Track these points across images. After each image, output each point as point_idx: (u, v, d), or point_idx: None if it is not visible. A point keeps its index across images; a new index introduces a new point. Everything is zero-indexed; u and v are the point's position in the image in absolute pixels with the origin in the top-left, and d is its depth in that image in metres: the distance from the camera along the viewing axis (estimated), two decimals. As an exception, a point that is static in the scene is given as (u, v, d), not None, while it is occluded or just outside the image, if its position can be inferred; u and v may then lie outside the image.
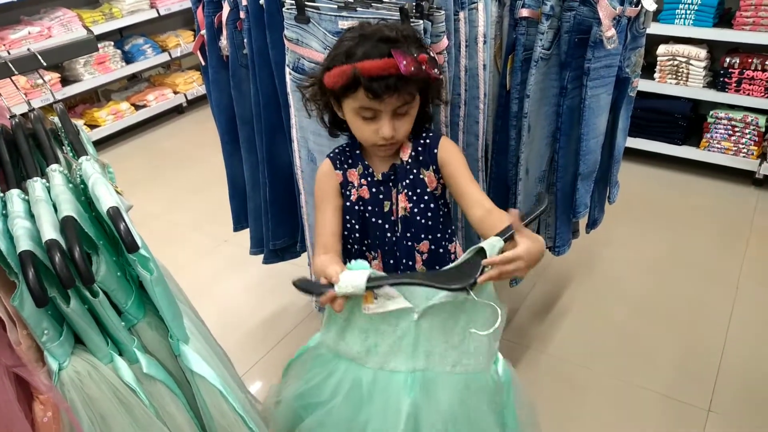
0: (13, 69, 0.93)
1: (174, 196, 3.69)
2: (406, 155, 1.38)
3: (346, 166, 1.41)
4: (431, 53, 1.35)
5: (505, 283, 2.14)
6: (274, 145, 2.01)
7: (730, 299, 2.51)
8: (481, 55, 1.59)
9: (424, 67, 1.21)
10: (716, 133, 3.34)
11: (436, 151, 1.37)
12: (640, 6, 1.75)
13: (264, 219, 2.20)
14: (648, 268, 2.74)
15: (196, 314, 1.41)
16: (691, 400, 2.05)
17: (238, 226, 2.41)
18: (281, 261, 2.32)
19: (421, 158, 1.37)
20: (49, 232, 0.84)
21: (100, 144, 4.37)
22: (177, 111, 4.90)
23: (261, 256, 2.31)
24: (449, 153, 1.38)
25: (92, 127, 4.26)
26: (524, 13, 1.68)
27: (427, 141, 1.39)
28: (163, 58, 4.66)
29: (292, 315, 2.57)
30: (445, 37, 1.47)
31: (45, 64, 0.95)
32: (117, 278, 0.99)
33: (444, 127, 1.63)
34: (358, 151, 1.40)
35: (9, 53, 3.61)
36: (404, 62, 1.18)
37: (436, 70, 1.26)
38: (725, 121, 3.30)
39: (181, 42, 4.74)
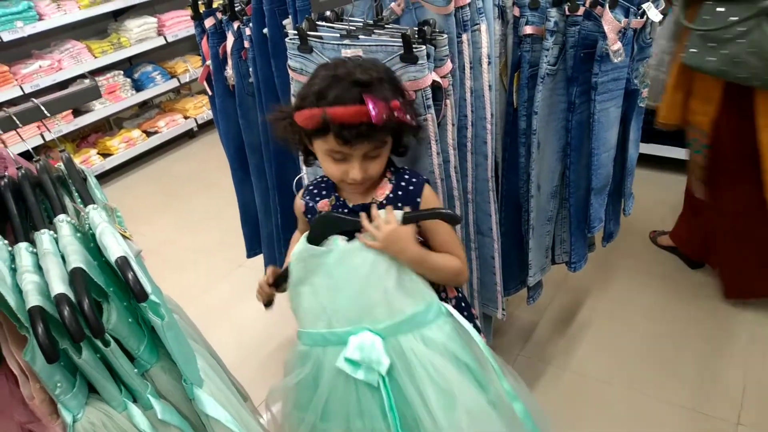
0: (17, 122, 0.93)
1: (188, 221, 3.70)
2: (382, 195, 1.35)
3: (318, 197, 1.41)
4: (407, 94, 1.33)
5: (523, 298, 2.12)
6: (284, 171, 2.01)
7: (752, 306, 2.46)
8: (486, 75, 1.58)
9: (396, 114, 1.19)
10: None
11: (419, 200, 1.35)
12: (645, 17, 1.73)
13: (277, 245, 2.20)
14: (667, 278, 2.69)
15: (209, 350, 1.40)
16: (719, 414, 2.01)
17: (251, 252, 2.42)
18: (296, 286, 2.31)
19: (399, 204, 1.34)
20: (58, 285, 0.84)
21: (114, 172, 4.41)
22: (188, 135, 4.94)
23: (275, 282, 2.31)
24: (431, 205, 1.36)
25: (105, 155, 4.30)
26: (528, 30, 1.67)
27: (410, 187, 1.35)
28: (173, 84, 4.70)
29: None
30: (449, 60, 1.46)
31: (49, 114, 0.96)
32: (128, 324, 0.98)
33: (452, 149, 1.61)
34: (332, 182, 1.40)
35: (21, 88, 3.67)
36: (375, 110, 1.15)
37: (408, 116, 1.23)
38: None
39: (190, 67, 4.78)
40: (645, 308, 2.52)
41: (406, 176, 1.37)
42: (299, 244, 1.33)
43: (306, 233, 1.33)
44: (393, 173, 1.38)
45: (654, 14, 1.75)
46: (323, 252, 1.31)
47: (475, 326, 1.53)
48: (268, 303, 1.48)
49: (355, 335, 1.29)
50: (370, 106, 1.15)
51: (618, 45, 1.64)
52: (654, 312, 2.50)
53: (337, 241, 1.31)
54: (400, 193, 1.35)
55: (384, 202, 1.34)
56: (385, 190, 1.35)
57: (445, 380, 1.27)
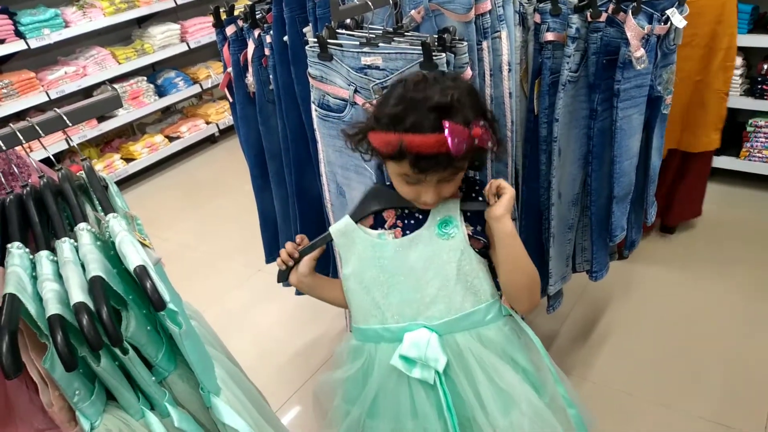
0: (40, 132, 0.94)
1: (209, 225, 3.73)
2: None
3: None
4: (489, 114, 1.23)
5: (543, 307, 2.09)
6: (304, 178, 2.01)
7: (780, 316, 2.41)
8: (506, 83, 1.57)
9: (477, 141, 1.11)
10: (756, 141, 3.23)
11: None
12: (669, 23, 1.70)
13: (296, 251, 2.20)
14: (690, 287, 2.65)
15: (227, 355, 1.41)
16: (745, 427, 1.96)
17: (270, 258, 2.42)
18: (314, 292, 2.31)
19: (468, 214, 1.28)
20: (77, 294, 0.84)
21: (137, 177, 4.47)
22: (210, 140, 4.99)
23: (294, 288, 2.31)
24: None
25: (128, 160, 4.35)
26: (549, 36, 1.66)
27: (480, 198, 1.29)
28: (195, 89, 4.75)
29: (327, 344, 2.56)
30: (469, 68, 1.45)
31: (71, 124, 0.97)
32: (147, 332, 0.99)
33: (472, 157, 1.61)
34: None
35: (47, 94, 3.73)
36: (456, 140, 1.08)
37: (489, 141, 1.14)
38: (766, 130, 3.19)
39: (212, 73, 4.83)
40: (668, 317, 2.48)
41: (477, 187, 1.32)
42: (342, 220, 1.32)
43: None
44: (463, 182, 1.30)
45: (678, 20, 1.72)
46: (377, 244, 1.28)
47: None
48: (284, 275, 1.43)
49: (411, 332, 1.26)
50: (450, 137, 1.08)
51: (641, 51, 1.62)
52: (677, 321, 2.46)
53: (384, 236, 1.29)
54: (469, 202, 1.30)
55: None
56: (455, 198, 1.30)
57: (504, 381, 1.24)
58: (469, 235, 1.26)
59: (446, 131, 1.08)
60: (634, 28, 1.59)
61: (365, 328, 1.34)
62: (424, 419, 1.27)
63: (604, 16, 1.64)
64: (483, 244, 1.28)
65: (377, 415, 1.33)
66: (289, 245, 1.40)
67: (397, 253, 1.27)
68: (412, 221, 1.30)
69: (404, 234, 1.30)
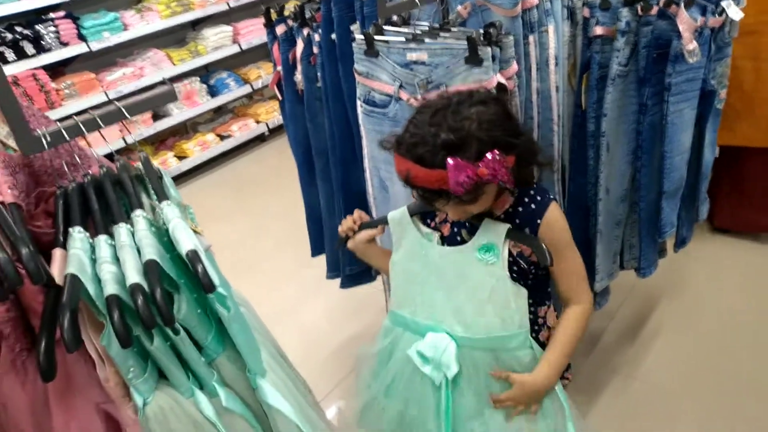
0: (100, 123, 1.00)
1: (257, 221, 3.82)
2: (500, 210, 1.28)
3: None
4: (522, 139, 1.18)
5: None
6: (348, 173, 2.04)
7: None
8: (553, 77, 1.56)
9: (484, 179, 1.09)
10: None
11: (539, 221, 1.26)
12: (724, 15, 1.66)
13: (341, 245, 2.24)
14: (744, 287, 2.56)
15: (273, 343, 1.44)
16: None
17: (315, 251, 2.47)
18: (357, 285, 2.34)
19: (517, 220, 1.27)
20: (133, 276, 0.89)
21: (189, 174, 4.60)
22: (260, 139, 5.09)
23: (338, 281, 2.35)
24: (553, 230, 1.26)
25: (181, 158, 4.49)
26: (599, 31, 1.64)
27: (532, 205, 1.27)
28: (246, 89, 4.86)
29: (371, 337, 2.58)
30: (515, 62, 1.45)
31: (129, 116, 1.02)
32: (197, 315, 1.03)
33: (517, 151, 1.60)
34: None
35: (106, 94, 3.88)
36: (457, 179, 1.07)
37: (500, 173, 1.09)
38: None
39: (262, 74, 4.93)
40: (720, 318, 2.41)
41: (531, 192, 1.28)
42: (399, 210, 1.37)
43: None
44: (517, 186, 1.26)
45: (734, 12, 1.68)
46: (423, 243, 1.32)
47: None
48: (343, 242, 1.50)
49: (434, 333, 1.29)
50: (451, 177, 1.08)
51: (693, 44, 1.58)
52: (730, 322, 2.39)
53: (432, 236, 1.32)
54: (520, 209, 1.27)
55: (502, 216, 1.28)
56: (505, 204, 1.28)
57: (507, 408, 1.27)
58: (510, 260, 1.25)
59: (449, 170, 1.08)
60: (686, 20, 1.56)
61: (398, 313, 1.38)
62: (426, 412, 1.32)
63: (655, 9, 1.61)
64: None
65: (390, 395, 1.38)
66: (350, 218, 1.46)
67: (440, 259, 1.30)
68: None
69: (452, 229, 1.33)
